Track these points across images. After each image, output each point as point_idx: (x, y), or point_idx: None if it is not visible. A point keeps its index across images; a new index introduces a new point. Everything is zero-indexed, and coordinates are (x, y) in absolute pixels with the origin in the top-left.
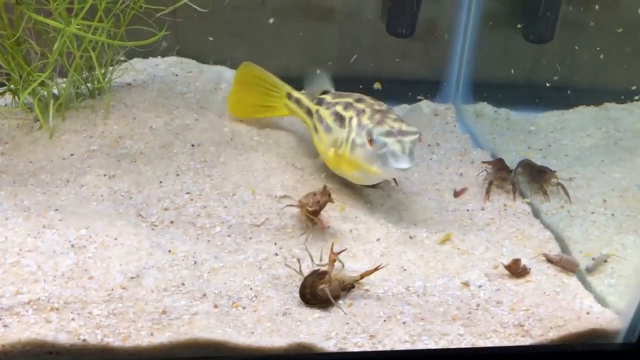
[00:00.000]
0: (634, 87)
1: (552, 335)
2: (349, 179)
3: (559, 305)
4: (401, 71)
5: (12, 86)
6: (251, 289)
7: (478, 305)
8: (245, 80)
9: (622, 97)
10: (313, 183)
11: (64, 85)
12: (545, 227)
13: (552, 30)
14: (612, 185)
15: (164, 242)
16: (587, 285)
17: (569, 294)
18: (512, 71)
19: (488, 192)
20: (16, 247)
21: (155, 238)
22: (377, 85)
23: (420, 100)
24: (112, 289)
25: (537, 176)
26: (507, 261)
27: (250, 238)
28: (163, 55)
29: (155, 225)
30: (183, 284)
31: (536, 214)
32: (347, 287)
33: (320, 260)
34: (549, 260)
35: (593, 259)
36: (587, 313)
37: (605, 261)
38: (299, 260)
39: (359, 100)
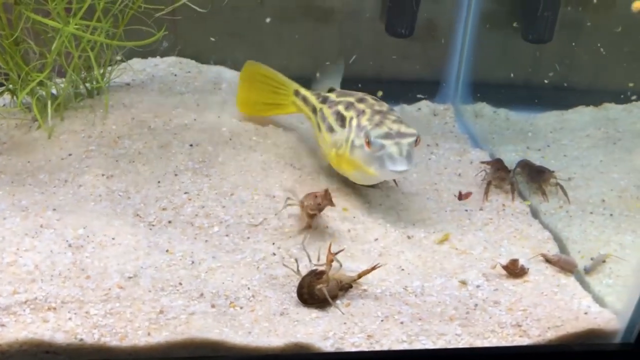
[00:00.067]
0: (631, 84)
1: (550, 335)
2: (350, 179)
3: (556, 306)
4: (400, 71)
5: (10, 86)
6: (249, 288)
7: (476, 305)
8: (250, 79)
9: (622, 96)
10: (311, 183)
11: (62, 85)
12: (543, 227)
13: (551, 30)
14: (610, 185)
15: (161, 242)
16: (585, 286)
17: (567, 294)
18: (512, 71)
19: (487, 192)
20: (14, 246)
21: (153, 238)
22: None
23: (420, 99)
24: (110, 289)
25: (535, 176)
26: (505, 261)
27: (248, 238)
28: (163, 56)
29: (153, 225)
30: (180, 284)
31: (535, 214)
32: (344, 287)
33: (318, 260)
34: (547, 260)
35: (592, 259)
36: (585, 313)
37: (604, 261)
38: (296, 260)
39: (360, 101)
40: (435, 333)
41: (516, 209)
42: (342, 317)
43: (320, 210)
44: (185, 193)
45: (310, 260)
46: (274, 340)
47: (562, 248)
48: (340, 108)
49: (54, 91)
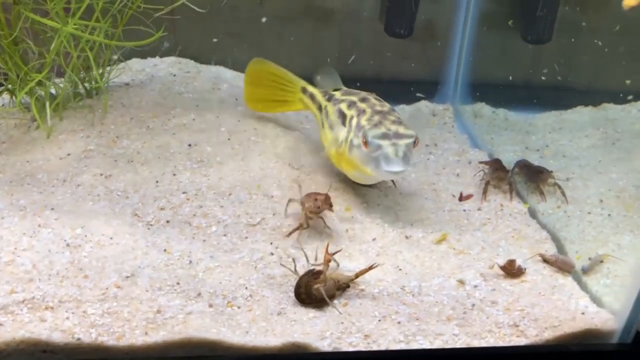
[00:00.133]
0: (628, 81)
1: (547, 335)
2: (350, 177)
3: (554, 306)
4: (399, 71)
5: (9, 86)
6: (246, 288)
7: (473, 305)
8: (256, 76)
9: (621, 95)
10: (310, 183)
11: (61, 85)
12: (541, 227)
13: (550, 30)
14: (609, 185)
15: (159, 242)
16: (582, 286)
17: (564, 294)
18: (511, 71)
19: (485, 192)
20: (11, 246)
21: (151, 237)
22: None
23: (419, 99)
24: (107, 288)
25: (534, 176)
26: (502, 261)
27: (246, 238)
28: (163, 56)
29: (151, 225)
30: (178, 283)
31: (533, 214)
32: (342, 287)
33: (316, 259)
34: (545, 260)
35: (589, 259)
36: (583, 313)
37: (601, 261)
38: (294, 260)
39: (362, 100)
40: (433, 333)
41: (514, 209)
42: (339, 316)
43: (318, 213)
44: (184, 193)
45: (307, 260)
46: (272, 340)
47: (560, 248)
48: (343, 106)
49: (52, 91)
